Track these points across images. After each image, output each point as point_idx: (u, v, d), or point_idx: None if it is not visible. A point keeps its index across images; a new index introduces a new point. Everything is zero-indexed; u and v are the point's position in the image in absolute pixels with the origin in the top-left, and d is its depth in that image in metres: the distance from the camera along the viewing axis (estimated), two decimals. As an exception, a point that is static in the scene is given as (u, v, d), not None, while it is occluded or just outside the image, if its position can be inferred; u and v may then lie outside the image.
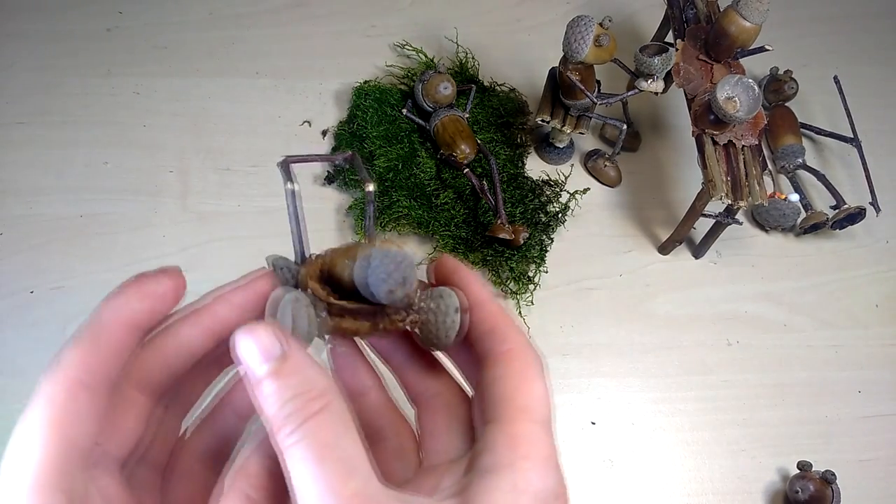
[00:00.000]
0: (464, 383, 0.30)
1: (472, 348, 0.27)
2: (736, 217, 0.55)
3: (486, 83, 0.66)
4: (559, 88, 0.58)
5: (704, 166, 0.53)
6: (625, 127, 0.59)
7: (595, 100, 0.56)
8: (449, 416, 0.29)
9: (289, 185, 0.26)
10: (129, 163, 0.61)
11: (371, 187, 0.28)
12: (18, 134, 0.61)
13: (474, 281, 0.28)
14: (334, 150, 0.62)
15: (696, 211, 0.55)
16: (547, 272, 0.58)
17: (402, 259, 0.24)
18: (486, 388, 0.26)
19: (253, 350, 0.22)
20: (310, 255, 0.27)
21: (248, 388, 0.23)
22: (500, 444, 0.24)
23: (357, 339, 0.29)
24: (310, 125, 0.64)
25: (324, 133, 0.64)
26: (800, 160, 0.64)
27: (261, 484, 0.24)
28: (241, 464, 0.24)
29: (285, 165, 0.26)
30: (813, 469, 0.51)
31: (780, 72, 0.67)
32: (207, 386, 0.29)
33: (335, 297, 0.26)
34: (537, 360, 0.26)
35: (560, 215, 0.59)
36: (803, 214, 0.61)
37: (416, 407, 0.30)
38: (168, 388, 0.27)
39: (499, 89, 0.66)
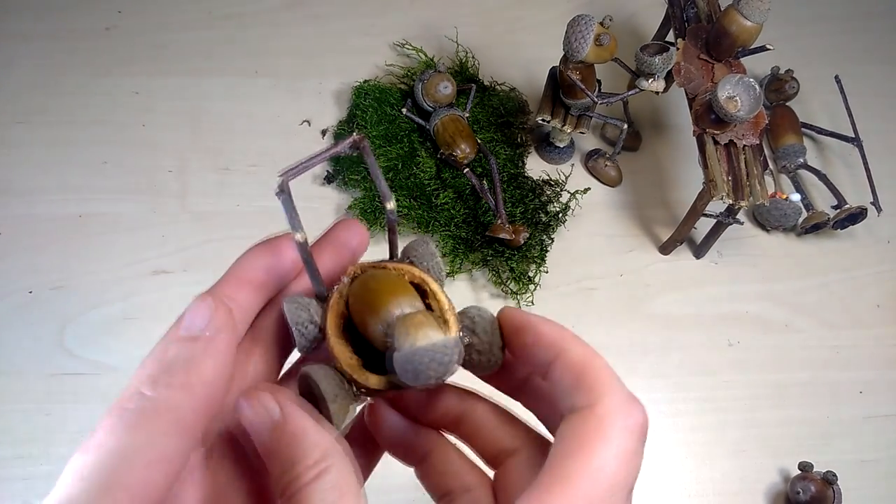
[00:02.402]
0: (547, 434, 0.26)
1: (555, 402, 0.23)
2: (737, 217, 0.55)
3: (486, 83, 0.66)
4: (559, 88, 0.58)
5: (705, 166, 0.53)
6: (625, 126, 0.59)
7: (595, 99, 0.56)
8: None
9: (298, 236, 0.23)
10: (129, 162, 0.61)
11: (391, 204, 0.24)
12: (18, 133, 0.61)
13: (549, 332, 0.24)
14: (334, 149, 0.62)
15: (696, 211, 0.55)
16: (547, 272, 0.58)
17: (448, 357, 0.22)
18: (554, 446, 0.22)
19: (252, 417, 0.22)
20: (328, 293, 0.25)
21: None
22: None
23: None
24: (309, 125, 0.64)
25: (323, 133, 0.64)
26: (801, 160, 0.64)
27: None
28: None
29: (284, 189, 0.22)
30: (814, 470, 0.50)
31: (782, 71, 0.67)
32: None
33: (361, 371, 0.24)
34: (628, 418, 0.22)
35: (560, 215, 0.59)
36: (804, 214, 0.61)
37: (493, 468, 0.27)
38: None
39: (499, 89, 0.66)
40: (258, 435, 0.22)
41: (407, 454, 0.28)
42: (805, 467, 0.51)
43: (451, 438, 0.28)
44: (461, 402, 0.27)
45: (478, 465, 0.27)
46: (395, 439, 0.27)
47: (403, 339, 0.22)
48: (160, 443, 0.21)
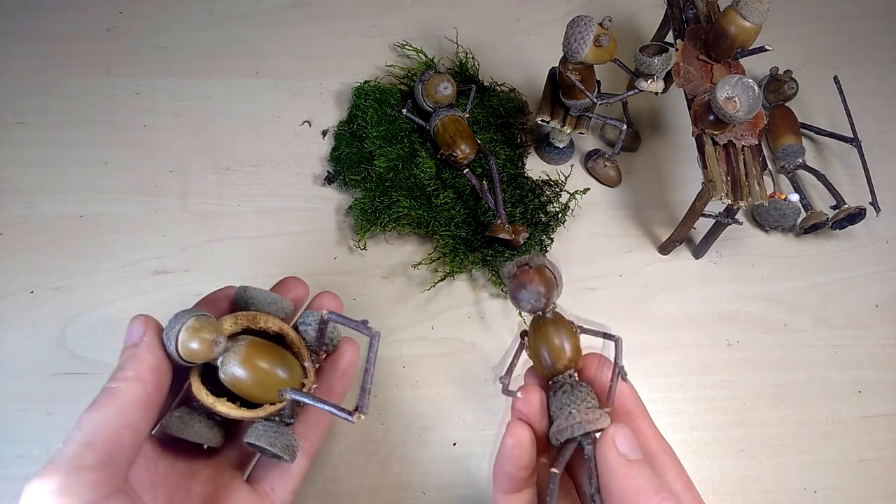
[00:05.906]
0: None
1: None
2: (736, 217, 0.55)
3: (486, 83, 0.66)
4: (559, 88, 0.58)
5: (704, 166, 0.53)
6: (625, 127, 0.59)
7: (595, 100, 0.56)
8: None
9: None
10: (130, 163, 0.61)
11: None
12: (18, 134, 0.62)
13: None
14: (334, 150, 0.62)
15: (696, 211, 0.55)
16: (547, 272, 0.58)
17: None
18: None
19: (130, 329, 0.34)
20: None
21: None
22: None
23: None
24: (310, 125, 0.64)
25: (324, 133, 0.64)
26: (800, 160, 0.64)
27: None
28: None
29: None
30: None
31: (780, 72, 0.67)
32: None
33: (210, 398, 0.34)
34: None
35: (560, 215, 0.59)
36: (803, 214, 0.61)
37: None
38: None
39: (499, 89, 0.66)
40: (125, 341, 0.33)
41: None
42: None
43: None
44: None
45: None
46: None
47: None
48: (124, 413, 0.30)
